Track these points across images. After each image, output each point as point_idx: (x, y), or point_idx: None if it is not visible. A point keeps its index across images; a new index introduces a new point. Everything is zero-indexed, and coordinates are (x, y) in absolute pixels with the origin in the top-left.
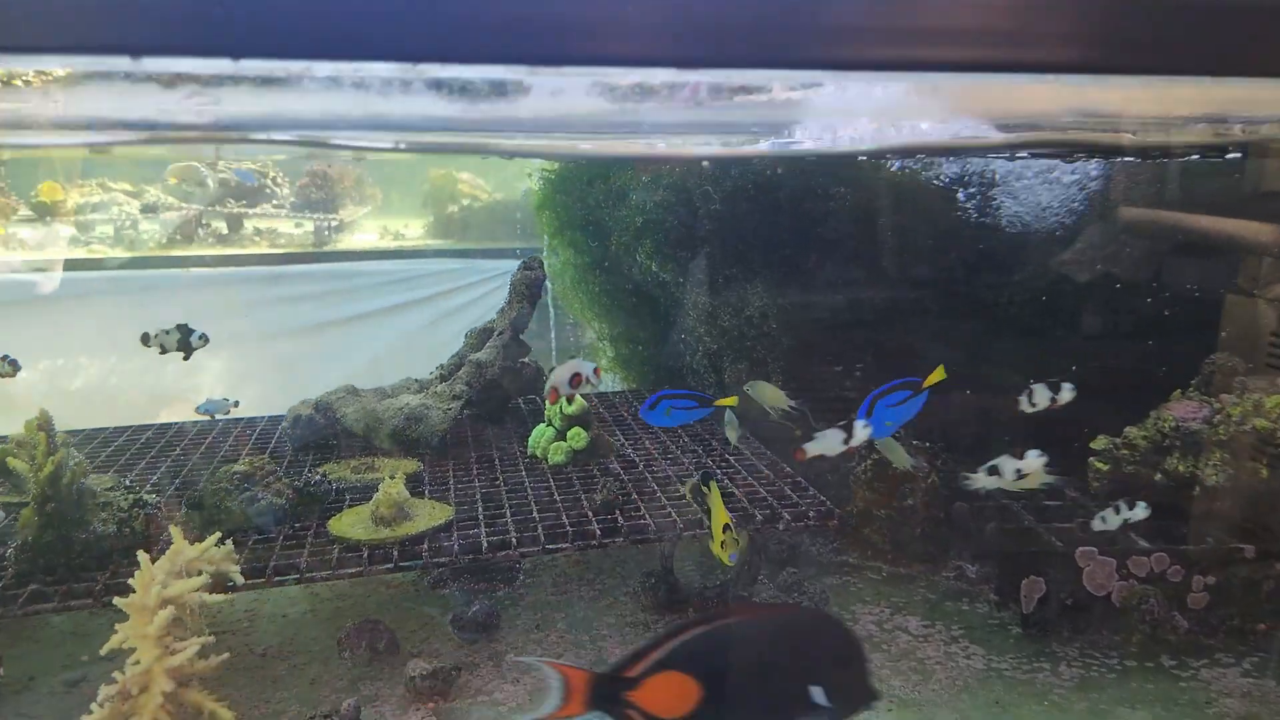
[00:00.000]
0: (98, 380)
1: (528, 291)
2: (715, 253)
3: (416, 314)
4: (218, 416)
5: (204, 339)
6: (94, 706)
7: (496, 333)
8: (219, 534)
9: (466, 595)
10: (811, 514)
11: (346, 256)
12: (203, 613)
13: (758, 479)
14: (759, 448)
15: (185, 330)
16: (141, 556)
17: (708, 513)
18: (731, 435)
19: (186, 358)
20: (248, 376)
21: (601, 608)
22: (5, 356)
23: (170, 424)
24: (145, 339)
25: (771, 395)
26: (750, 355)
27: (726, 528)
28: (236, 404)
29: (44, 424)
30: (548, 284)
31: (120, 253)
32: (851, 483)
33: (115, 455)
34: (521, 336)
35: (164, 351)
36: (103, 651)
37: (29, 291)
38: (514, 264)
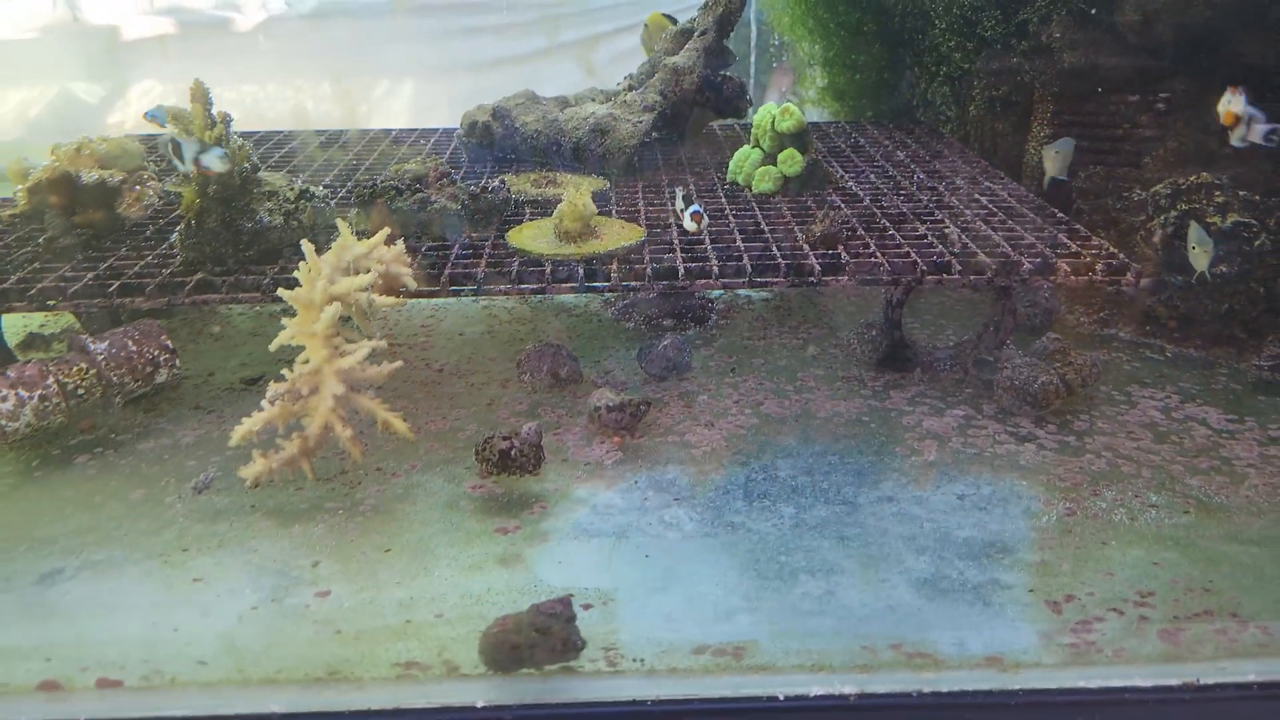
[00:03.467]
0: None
1: None
2: None
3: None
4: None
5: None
6: (264, 404)
7: (698, 33)
8: (388, 231)
9: (653, 329)
10: (1099, 268)
11: None
12: (372, 315)
13: (1020, 222)
14: (1013, 185)
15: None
16: (307, 247)
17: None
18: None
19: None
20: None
21: (806, 358)
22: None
23: (341, 130)
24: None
25: None
26: (1015, 77)
27: None
28: None
29: (198, 95)
30: None
31: None
32: (1139, 239)
33: (287, 157)
34: (726, 41)
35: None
36: (271, 348)
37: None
38: None
